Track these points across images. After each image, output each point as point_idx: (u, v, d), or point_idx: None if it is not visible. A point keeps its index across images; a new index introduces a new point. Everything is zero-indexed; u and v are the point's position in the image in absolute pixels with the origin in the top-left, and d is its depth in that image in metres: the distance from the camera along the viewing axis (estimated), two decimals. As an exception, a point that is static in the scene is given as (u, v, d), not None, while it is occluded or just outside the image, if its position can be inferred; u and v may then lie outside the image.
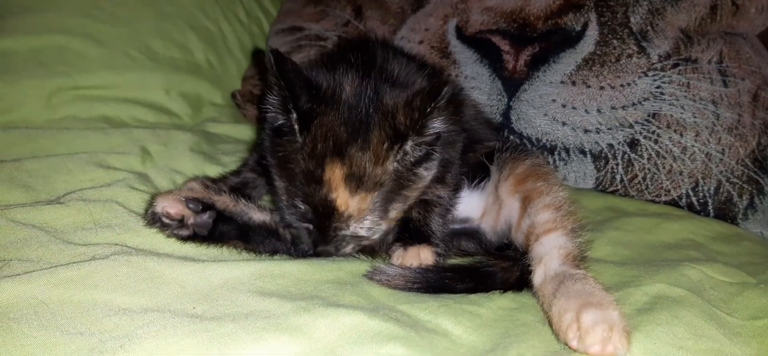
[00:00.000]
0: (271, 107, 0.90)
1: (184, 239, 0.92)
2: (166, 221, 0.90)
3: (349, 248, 0.93)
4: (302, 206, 0.89)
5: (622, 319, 0.74)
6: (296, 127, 0.87)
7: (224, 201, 0.95)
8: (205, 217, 0.92)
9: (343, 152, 0.85)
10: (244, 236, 0.94)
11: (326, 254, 0.93)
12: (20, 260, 0.81)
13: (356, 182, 0.86)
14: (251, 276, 0.85)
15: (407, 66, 1.01)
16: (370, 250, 1.01)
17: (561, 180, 1.10)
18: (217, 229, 0.93)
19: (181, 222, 0.91)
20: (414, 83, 0.97)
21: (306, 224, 0.92)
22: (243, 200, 0.97)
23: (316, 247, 0.92)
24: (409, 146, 0.87)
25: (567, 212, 0.94)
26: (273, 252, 0.96)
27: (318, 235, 0.90)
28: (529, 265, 0.90)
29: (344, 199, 0.86)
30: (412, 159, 0.89)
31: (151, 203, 0.92)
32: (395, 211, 0.92)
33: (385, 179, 0.88)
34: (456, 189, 1.04)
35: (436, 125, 0.88)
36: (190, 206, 0.91)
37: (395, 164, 0.88)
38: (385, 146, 0.87)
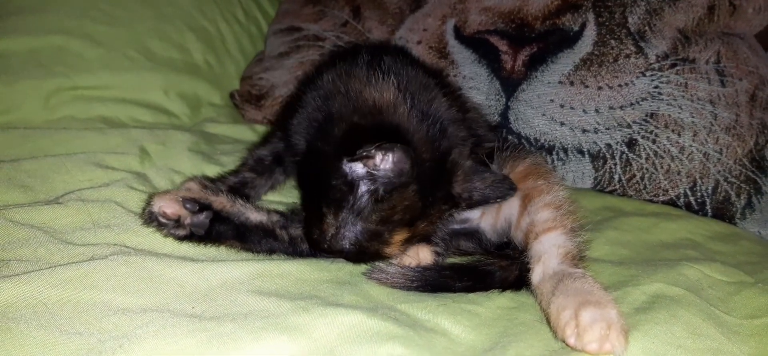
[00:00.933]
0: (373, 172, 0.87)
1: (181, 238, 0.92)
2: (163, 220, 0.90)
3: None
4: (348, 247, 0.89)
5: (620, 318, 0.74)
6: (385, 197, 0.88)
7: (221, 201, 0.95)
8: (202, 217, 0.92)
9: (413, 224, 0.91)
10: (240, 236, 0.95)
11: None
12: (19, 261, 0.81)
13: (410, 240, 0.93)
14: (250, 276, 0.85)
15: (442, 103, 1.00)
16: None
17: (561, 179, 1.10)
18: (214, 229, 0.93)
19: (178, 222, 0.91)
20: (451, 130, 0.97)
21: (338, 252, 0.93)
22: (240, 201, 0.97)
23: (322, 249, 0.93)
24: (456, 213, 0.97)
25: (567, 212, 0.94)
26: (270, 252, 0.96)
27: (348, 260, 0.94)
28: (527, 263, 0.91)
29: (393, 251, 0.92)
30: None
31: (148, 203, 0.92)
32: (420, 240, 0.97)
33: (429, 231, 0.95)
34: None
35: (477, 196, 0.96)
36: (187, 206, 0.91)
37: (439, 220, 0.95)
38: (442, 211, 0.94)
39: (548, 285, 0.84)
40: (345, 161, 0.86)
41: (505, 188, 0.97)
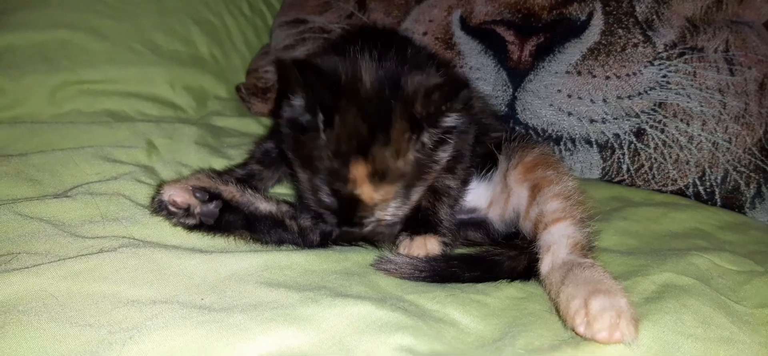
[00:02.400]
0: (295, 106, 0.90)
1: (191, 228, 0.92)
2: (172, 209, 0.90)
3: (371, 227, 0.94)
4: (328, 199, 0.90)
5: (630, 307, 0.74)
6: (321, 126, 0.87)
7: (231, 191, 0.95)
8: (212, 206, 0.92)
9: (367, 151, 0.86)
10: (250, 226, 0.95)
11: (350, 235, 0.95)
12: (29, 254, 0.81)
13: (380, 177, 0.88)
14: (259, 267, 0.85)
15: (418, 54, 1.02)
16: (374, 240, 1.01)
17: (569, 170, 1.10)
18: (224, 218, 0.93)
19: (187, 211, 0.91)
20: (426, 68, 0.96)
21: (330, 211, 0.92)
22: (249, 191, 0.97)
23: (340, 226, 0.93)
24: (426, 137, 0.89)
25: (576, 202, 0.93)
26: (279, 242, 0.96)
27: (343, 218, 0.91)
28: (536, 253, 0.90)
29: (369, 194, 0.88)
30: (430, 146, 0.91)
31: (158, 191, 0.92)
32: (417, 194, 0.94)
33: (406, 169, 0.89)
34: (465, 181, 1.05)
35: (451, 120, 0.90)
36: (197, 195, 0.91)
37: (415, 153, 0.89)
38: (405, 136, 0.88)
39: (557, 275, 0.84)
40: (284, 111, 0.89)
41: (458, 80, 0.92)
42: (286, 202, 1.00)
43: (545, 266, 0.88)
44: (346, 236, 0.96)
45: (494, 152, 1.06)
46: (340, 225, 0.92)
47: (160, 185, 0.93)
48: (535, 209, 0.95)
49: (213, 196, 0.92)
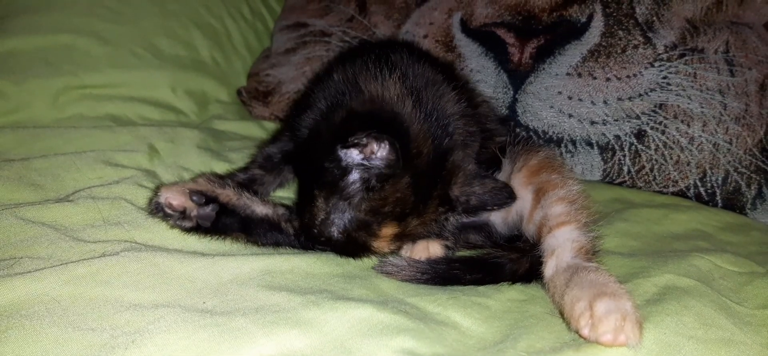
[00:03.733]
0: (365, 162, 0.87)
1: (187, 230, 0.93)
2: (169, 211, 0.91)
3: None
4: (337, 235, 0.89)
5: (635, 310, 0.74)
6: (377, 187, 0.87)
7: (227, 194, 0.96)
8: (208, 209, 0.93)
9: (404, 219, 0.90)
10: (246, 228, 0.95)
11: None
12: (31, 258, 0.82)
13: (399, 238, 0.91)
14: (260, 271, 0.85)
15: (451, 99, 1.00)
16: None
17: (574, 173, 1.10)
18: (220, 221, 0.94)
19: (184, 214, 0.92)
20: (459, 130, 0.97)
21: (329, 243, 0.92)
22: (246, 194, 0.98)
23: (332, 251, 0.94)
24: (452, 218, 0.95)
25: (581, 206, 0.93)
26: (275, 245, 0.97)
27: (340, 252, 0.93)
28: (540, 257, 0.90)
29: (382, 248, 0.91)
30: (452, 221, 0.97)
31: (155, 193, 0.93)
32: (412, 240, 0.97)
33: (421, 231, 0.93)
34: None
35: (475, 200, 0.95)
36: (194, 198, 0.92)
37: (435, 222, 0.94)
38: (437, 211, 0.93)
39: (562, 279, 0.84)
40: (339, 146, 0.87)
41: (504, 197, 0.96)
42: (282, 205, 1.00)
43: (549, 269, 0.88)
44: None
45: (498, 156, 1.06)
46: (336, 253, 0.93)
47: (158, 188, 0.94)
48: (539, 213, 0.95)
49: (209, 199, 0.93)
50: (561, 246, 0.88)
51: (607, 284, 0.79)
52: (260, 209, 0.97)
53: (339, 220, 0.89)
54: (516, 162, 1.03)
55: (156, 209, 0.92)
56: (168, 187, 0.93)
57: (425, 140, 0.91)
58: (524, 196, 0.99)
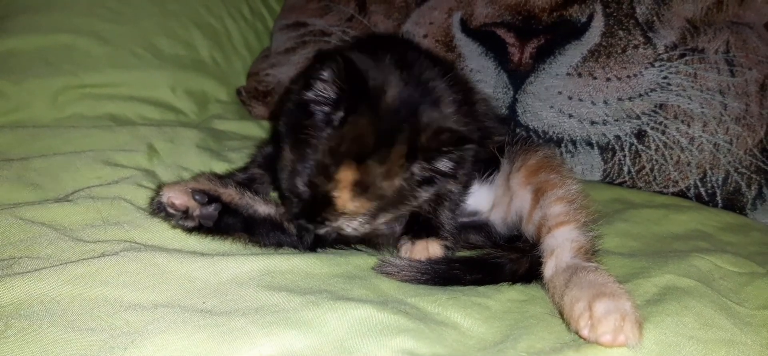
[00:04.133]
0: (319, 94, 0.87)
1: (189, 230, 0.92)
2: (171, 211, 0.90)
3: (325, 231, 0.92)
4: (302, 188, 0.88)
5: (634, 310, 0.74)
6: (334, 122, 0.87)
7: (230, 194, 0.95)
8: (211, 209, 0.92)
9: (363, 160, 0.86)
10: (248, 228, 0.95)
11: (304, 229, 0.93)
12: (30, 258, 0.81)
13: (362, 189, 0.87)
14: (260, 271, 0.85)
15: (450, 88, 0.99)
16: (375, 244, 1.01)
17: (573, 173, 1.09)
18: (223, 221, 0.93)
19: (186, 213, 0.91)
20: (444, 102, 0.95)
21: (298, 200, 0.91)
22: (248, 193, 0.97)
23: (297, 219, 0.91)
24: (417, 168, 0.89)
25: (580, 206, 0.93)
26: (278, 245, 0.97)
27: (307, 212, 0.90)
28: (539, 257, 0.90)
29: (345, 200, 0.87)
30: (417, 180, 0.90)
31: (157, 193, 0.93)
32: (383, 219, 0.92)
33: (387, 193, 0.88)
34: (466, 185, 1.04)
35: (445, 164, 0.89)
36: (196, 197, 0.91)
37: (401, 181, 0.89)
38: (401, 161, 0.87)
39: (561, 279, 0.84)
40: (303, 92, 0.86)
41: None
42: None
43: (549, 269, 0.88)
44: (299, 230, 0.94)
45: (497, 156, 1.06)
46: (301, 217, 0.91)
47: (160, 187, 0.93)
48: (539, 213, 0.95)
49: (212, 198, 0.93)
50: (560, 246, 0.88)
51: (606, 284, 0.79)
52: (263, 208, 0.97)
53: (302, 168, 0.87)
54: (514, 162, 1.03)
55: (158, 209, 0.91)
56: (170, 186, 0.92)
57: (392, 86, 0.90)
58: (523, 196, 0.99)
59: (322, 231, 0.91)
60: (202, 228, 0.92)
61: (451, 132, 0.89)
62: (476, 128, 1.03)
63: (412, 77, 0.93)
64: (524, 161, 1.02)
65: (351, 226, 0.90)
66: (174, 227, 0.92)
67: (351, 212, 0.88)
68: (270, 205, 0.98)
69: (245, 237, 0.95)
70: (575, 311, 0.75)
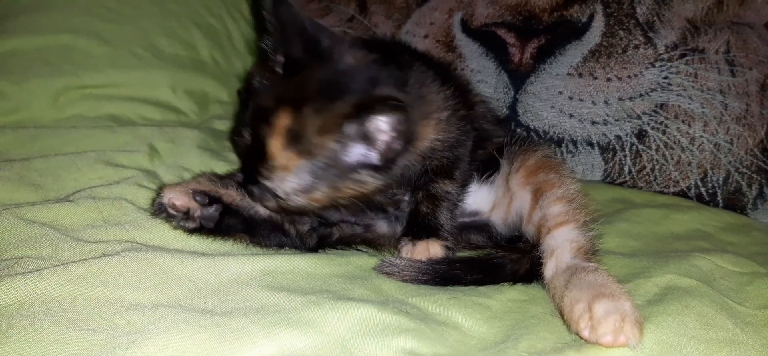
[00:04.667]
0: (268, 46, 0.91)
1: (190, 231, 0.92)
2: (172, 212, 0.90)
3: (270, 204, 0.90)
4: (246, 136, 0.88)
5: (634, 310, 0.73)
6: (279, 70, 0.89)
7: (231, 195, 0.95)
8: (212, 210, 0.92)
9: (300, 106, 0.84)
10: (250, 229, 0.95)
11: (251, 195, 0.92)
12: (31, 258, 0.81)
13: (293, 138, 0.84)
14: (261, 271, 0.85)
15: (410, 76, 0.96)
16: (376, 244, 1.01)
17: (572, 172, 1.09)
18: (224, 222, 0.93)
19: (187, 214, 0.91)
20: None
21: (243, 151, 0.91)
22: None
23: (244, 185, 0.91)
24: (347, 128, 0.83)
25: (579, 205, 0.93)
26: (279, 246, 0.97)
27: (246, 163, 0.91)
28: (539, 257, 0.90)
29: (277, 148, 0.84)
30: (349, 139, 0.84)
31: (158, 194, 0.93)
32: (320, 194, 0.87)
33: (318, 152, 0.84)
34: (464, 184, 1.04)
35: (381, 129, 0.84)
36: (197, 198, 0.91)
37: (333, 142, 0.84)
38: (336, 120, 0.83)
39: (561, 280, 0.84)
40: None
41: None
42: None
43: (549, 270, 0.88)
44: (249, 195, 0.93)
45: (496, 156, 1.06)
46: (243, 170, 0.91)
47: (161, 188, 0.93)
48: (538, 213, 0.95)
49: (213, 200, 0.93)
50: (560, 247, 0.88)
51: (605, 284, 0.79)
52: (263, 210, 0.97)
53: (247, 114, 0.88)
54: (513, 162, 1.03)
55: (159, 210, 0.91)
56: (171, 187, 0.92)
57: (349, 55, 0.89)
58: (523, 197, 0.99)
59: (257, 192, 0.90)
60: (203, 229, 0.92)
61: (386, 95, 0.85)
62: (471, 128, 1.03)
63: (381, 62, 0.91)
64: (523, 162, 1.02)
65: (284, 188, 0.86)
66: (175, 228, 0.92)
67: (281, 165, 0.85)
68: None
69: (246, 238, 0.95)
70: (575, 312, 0.75)
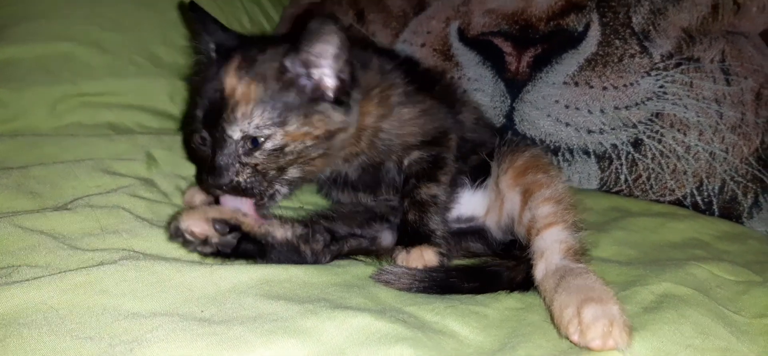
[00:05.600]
0: (201, 48, 1.02)
1: (206, 255, 0.91)
2: (189, 238, 0.89)
3: (244, 175, 0.91)
4: (205, 101, 0.92)
5: (622, 314, 0.74)
6: (213, 56, 0.98)
7: (250, 224, 0.94)
8: (230, 238, 0.91)
9: (246, 53, 0.93)
10: (265, 253, 0.94)
11: (218, 180, 0.90)
12: (29, 266, 0.81)
13: (246, 68, 0.91)
14: (258, 280, 0.85)
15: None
16: (380, 255, 1.01)
17: (560, 171, 1.10)
18: (240, 247, 0.92)
19: (205, 241, 0.90)
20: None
21: (204, 136, 0.93)
22: (266, 224, 0.95)
23: (209, 176, 0.91)
24: (288, 61, 0.92)
25: (568, 206, 0.94)
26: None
27: (208, 120, 0.92)
28: (531, 259, 0.91)
29: (232, 85, 0.90)
30: (295, 74, 0.92)
31: (175, 218, 0.91)
32: (294, 125, 0.90)
33: (271, 74, 0.91)
34: (451, 187, 1.05)
35: (323, 56, 0.92)
36: (217, 227, 0.90)
37: (283, 60, 0.92)
38: (282, 50, 0.93)
39: (551, 281, 0.84)
40: None
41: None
42: (300, 223, 0.99)
43: (539, 272, 0.88)
44: (213, 185, 0.92)
45: (487, 161, 1.06)
46: (204, 128, 0.92)
47: (178, 213, 0.92)
48: (528, 214, 0.95)
49: (232, 228, 0.92)
50: (549, 248, 0.89)
51: (593, 288, 0.79)
52: (280, 233, 0.95)
53: (199, 97, 0.94)
54: (502, 163, 1.03)
55: (175, 234, 0.90)
56: (189, 214, 0.90)
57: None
58: (512, 198, 0.99)
59: (239, 178, 0.90)
60: (219, 254, 0.91)
61: (330, 17, 0.92)
62: (447, 130, 1.05)
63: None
64: (512, 163, 1.02)
65: (253, 123, 0.89)
66: (190, 252, 0.91)
67: (242, 95, 0.89)
68: (286, 226, 0.97)
69: (260, 261, 0.94)
70: (564, 317, 0.76)
